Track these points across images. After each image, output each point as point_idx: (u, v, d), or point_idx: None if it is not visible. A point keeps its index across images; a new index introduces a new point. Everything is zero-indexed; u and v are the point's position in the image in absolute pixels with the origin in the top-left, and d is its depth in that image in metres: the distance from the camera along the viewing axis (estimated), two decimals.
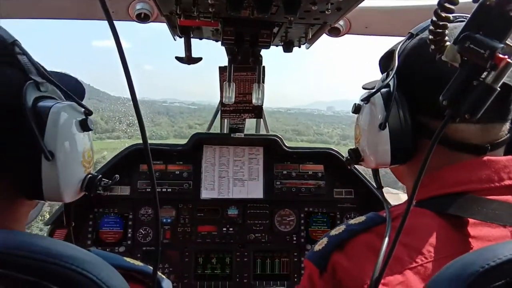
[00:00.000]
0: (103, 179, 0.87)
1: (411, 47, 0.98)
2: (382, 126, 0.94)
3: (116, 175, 0.98)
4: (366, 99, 1.00)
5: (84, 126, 0.80)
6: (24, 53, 0.77)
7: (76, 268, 0.58)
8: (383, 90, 0.96)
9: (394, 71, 0.94)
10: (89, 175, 0.83)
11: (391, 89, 0.95)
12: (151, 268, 0.92)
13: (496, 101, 0.65)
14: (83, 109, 0.82)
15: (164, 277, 0.96)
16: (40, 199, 0.78)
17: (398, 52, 0.99)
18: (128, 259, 0.90)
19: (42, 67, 0.80)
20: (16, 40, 0.76)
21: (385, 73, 1.04)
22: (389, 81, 0.95)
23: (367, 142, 1.00)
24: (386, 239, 0.78)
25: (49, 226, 2.16)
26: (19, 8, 1.61)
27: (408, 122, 0.94)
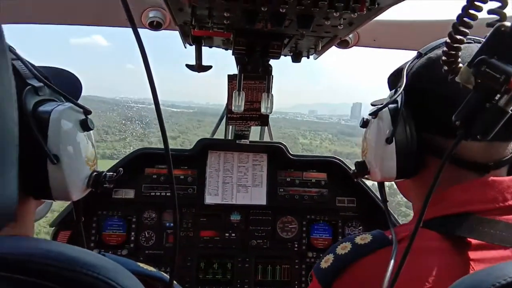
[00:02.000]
0: (107, 173, 0.90)
1: (419, 65, 1.00)
2: (389, 141, 0.96)
3: (120, 168, 1.01)
4: (374, 114, 1.02)
5: (84, 126, 0.83)
6: (19, 58, 0.79)
7: (103, 277, 0.59)
8: (391, 106, 0.99)
9: (402, 88, 0.97)
10: (95, 173, 0.87)
11: (399, 105, 0.97)
12: (164, 274, 0.93)
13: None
14: (82, 109, 0.84)
15: (179, 285, 0.97)
16: (48, 199, 0.82)
17: (407, 70, 1.02)
18: (142, 265, 0.92)
19: (37, 68, 0.82)
20: (10, 46, 0.77)
21: (394, 90, 1.06)
22: (397, 97, 0.98)
23: (374, 156, 1.02)
24: (391, 267, 0.79)
25: (53, 228, 2.17)
26: (32, 12, 1.63)
27: (414, 138, 0.96)
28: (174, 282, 0.90)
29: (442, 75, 0.89)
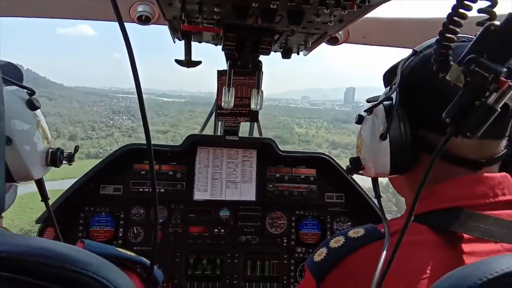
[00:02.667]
0: (64, 150, 0.93)
1: (414, 63, 1.02)
2: (383, 137, 0.97)
3: (77, 145, 1.06)
4: (369, 110, 1.04)
5: (31, 105, 0.85)
6: None
7: (92, 274, 0.58)
8: (386, 102, 1.00)
9: (396, 85, 0.99)
10: (50, 149, 0.89)
11: (393, 102, 0.98)
12: (142, 258, 0.94)
13: (493, 119, 0.69)
14: (25, 90, 0.86)
15: (159, 270, 0.99)
16: (10, 181, 0.83)
17: (401, 67, 1.03)
18: (120, 249, 0.93)
19: None
20: None
21: (389, 87, 1.07)
22: (391, 94, 0.99)
23: (368, 152, 1.04)
24: (382, 259, 0.80)
25: (39, 225, 2.14)
26: (20, 6, 1.59)
27: (408, 135, 0.97)
28: (155, 267, 0.92)
29: (435, 73, 0.91)
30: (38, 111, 0.90)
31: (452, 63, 0.72)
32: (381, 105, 1.00)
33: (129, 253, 0.95)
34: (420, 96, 0.98)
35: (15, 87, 0.84)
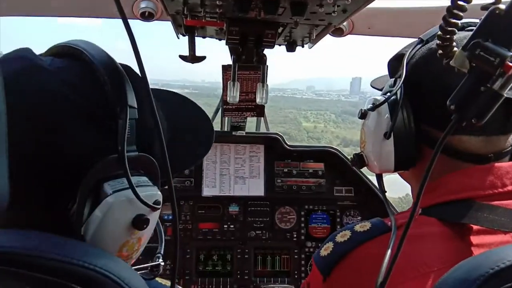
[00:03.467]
0: None
1: (419, 56, 0.99)
2: (387, 136, 0.95)
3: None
4: (373, 108, 1.01)
5: (136, 224, 0.71)
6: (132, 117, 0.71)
7: (99, 269, 0.59)
8: (391, 98, 0.97)
9: (401, 80, 0.96)
10: None
11: (398, 98, 0.95)
12: None
13: (500, 114, 0.67)
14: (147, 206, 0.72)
15: None
16: None
17: (407, 58, 1.00)
18: (160, 280, 0.90)
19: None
20: (130, 98, 0.71)
21: (393, 79, 1.04)
22: (397, 90, 0.96)
23: (372, 149, 1.02)
24: (389, 252, 0.78)
25: None
26: (20, 5, 1.61)
27: (413, 131, 0.95)
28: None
29: (441, 68, 0.89)
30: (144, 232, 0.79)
31: (456, 48, 0.70)
32: (384, 100, 0.98)
33: (168, 284, 0.91)
34: (424, 91, 0.96)
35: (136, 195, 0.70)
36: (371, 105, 1.01)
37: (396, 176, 1.15)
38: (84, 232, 0.68)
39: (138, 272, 0.80)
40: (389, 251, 0.78)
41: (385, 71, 1.18)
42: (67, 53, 0.75)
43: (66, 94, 0.68)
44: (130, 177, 0.67)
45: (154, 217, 0.78)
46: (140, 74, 0.70)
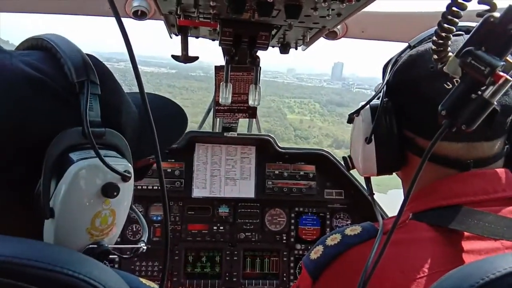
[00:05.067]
0: (112, 253, 0.75)
1: (401, 62, 1.00)
2: (367, 140, 0.98)
3: (143, 247, 0.90)
4: (357, 112, 1.04)
5: (106, 192, 0.69)
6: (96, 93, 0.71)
7: (84, 276, 0.57)
8: (373, 103, 1.00)
9: (381, 86, 0.99)
10: (91, 246, 0.71)
11: (380, 103, 0.98)
12: None
13: (482, 121, 0.68)
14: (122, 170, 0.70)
15: None
16: None
17: (391, 64, 1.02)
18: (144, 281, 0.87)
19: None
20: (91, 75, 0.70)
21: (379, 84, 1.06)
22: (375, 95, 1.00)
23: (355, 153, 1.06)
24: (373, 254, 0.79)
25: None
26: (9, 2, 1.58)
27: (395, 137, 0.97)
28: None
29: (423, 75, 0.92)
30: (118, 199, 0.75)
31: (451, 53, 0.70)
32: (368, 106, 1.00)
33: (152, 285, 0.89)
34: (407, 99, 0.97)
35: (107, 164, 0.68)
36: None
37: None
38: (53, 206, 0.65)
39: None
40: (372, 255, 0.79)
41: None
42: (34, 44, 0.76)
43: (28, 72, 0.67)
44: (95, 144, 0.65)
45: (126, 190, 0.74)
46: (134, 75, 0.68)
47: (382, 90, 0.98)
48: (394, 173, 1.07)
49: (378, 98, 0.99)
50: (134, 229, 2.33)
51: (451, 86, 0.86)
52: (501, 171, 0.90)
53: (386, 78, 1.00)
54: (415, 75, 0.93)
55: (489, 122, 0.87)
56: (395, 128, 0.97)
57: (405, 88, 0.97)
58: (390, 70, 1.01)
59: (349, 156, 1.12)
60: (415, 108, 0.95)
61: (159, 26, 1.53)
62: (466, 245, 0.81)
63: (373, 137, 0.97)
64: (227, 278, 2.36)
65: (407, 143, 0.97)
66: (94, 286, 0.57)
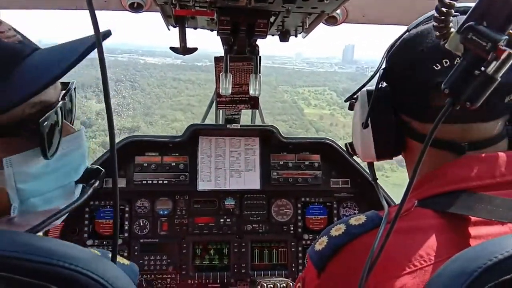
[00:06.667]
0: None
1: (396, 46, 1.00)
2: (363, 125, 1.00)
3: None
4: (355, 98, 1.07)
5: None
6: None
7: (81, 269, 0.56)
8: (370, 89, 1.01)
9: (376, 70, 1.00)
10: None
11: (375, 87, 0.99)
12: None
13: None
14: None
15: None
16: None
17: (388, 49, 1.02)
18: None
19: None
20: None
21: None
22: (369, 80, 1.03)
23: (355, 139, 1.08)
24: (376, 243, 0.78)
25: None
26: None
27: (392, 122, 0.98)
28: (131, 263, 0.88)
29: (413, 58, 0.92)
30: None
31: (453, 30, 0.68)
32: (365, 92, 1.01)
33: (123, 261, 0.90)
34: (400, 83, 0.97)
35: None
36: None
37: None
38: None
39: None
40: (376, 244, 0.77)
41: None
42: None
43: None
44: None
45: None
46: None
47: (378, 75, 0.98)
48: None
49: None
50: (141, 224, 2.34)
51: (440, 67, 0.85)
52: (508, 154, 0.87)
53: (383, 63, 1.00)
54: (407, 58, 0.94)
55: (486, 101, 0.86)
56: (390, 112, 0.97)
57: (398, 71, 0.97)
58: (387, 55, 1.02)
59: (351, 143, 1.13)
60: (407, 91, 0.95)
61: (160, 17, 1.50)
62: (473, 230, 0.79)
63: (369, 122, 0.98)
64: (235, 270, 2.36)
65: (404, 127, 0.97)
66: (94, 280, 0.57)
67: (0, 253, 0.54)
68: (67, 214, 0.80)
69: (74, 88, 0.84)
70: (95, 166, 0.85)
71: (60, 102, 0.76)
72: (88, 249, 0.64)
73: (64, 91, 0.80)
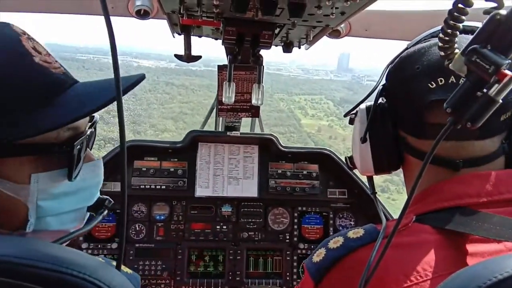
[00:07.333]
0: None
1: (394, 63, 1.02)
2: (362, 140, 1.02)
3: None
4: (355, 113, 1.09)
5: None
6: None
7: (88, 277, 0.57)
8: (368, 104, 1.04)
9: (375, 86, 1.03)
10: None
11: (373, 103, 1.01)
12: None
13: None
14: None
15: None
16: None
17: (388, 65, 1.04)
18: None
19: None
20: None
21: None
22: (367, 96, 1.05)
23: (354, 153, 1.09)
24: (372, 258, 0.79)
25: None
26: (13, 2, 1.58)
27: (390, 137, 0.99)
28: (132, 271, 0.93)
29: (409, 75, 0.94)
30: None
31: (457, 50, 0.70)
32: (364, 108, 1.04)
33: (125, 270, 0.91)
34: (396, 99, 0.99)
35: None
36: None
37: None
38: None
39: None
40: (372, 259, 0.79)
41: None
42: None
43: None
44: None
45: None
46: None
47: (377, 91, 1.01)
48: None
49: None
50: (137, 229, 2.33)
51: (435, 85, 0.87)
52: (506, 172, 0.89)
53: (382, 79, 1.03)
54: (403, 75, 0.96)
55: None
56: (388, 128, 0.99)
57: (395, 88, 1.00)
58: (385, 72, 1.04)
59: (351, 156, 1.14)
60: (403, 108, 0.97)
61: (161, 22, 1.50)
62: (470, 247, 0.80)
63: (368, 137, 1.00)
64: (230, 278, 2.36)
65: (401, 142, 0.99)
66: (99, 287, 0.57)
67: (8, 259, 0.55)
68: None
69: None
70: (106, 197, 0.90)
71: (89, 131, 0.83)
72: (95, 257, 0.64)
73: (90, 123, 0.87)
